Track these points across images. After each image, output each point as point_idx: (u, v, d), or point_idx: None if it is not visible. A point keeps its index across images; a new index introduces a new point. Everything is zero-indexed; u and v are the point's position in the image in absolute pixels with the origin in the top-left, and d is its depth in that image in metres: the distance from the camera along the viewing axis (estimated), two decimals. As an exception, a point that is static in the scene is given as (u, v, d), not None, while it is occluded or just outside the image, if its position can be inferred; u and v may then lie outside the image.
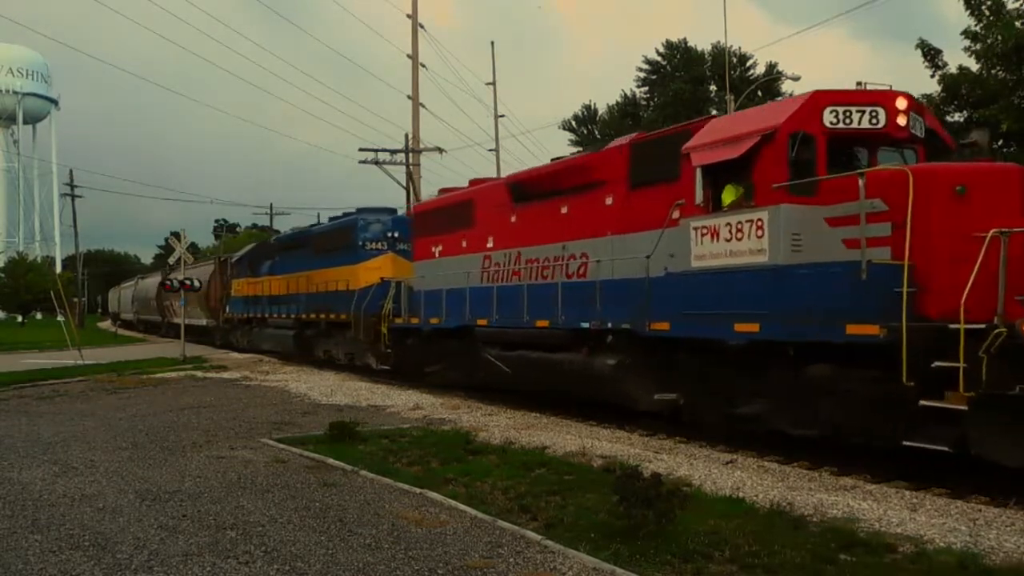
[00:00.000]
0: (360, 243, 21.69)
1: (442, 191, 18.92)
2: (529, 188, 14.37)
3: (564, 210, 13.23)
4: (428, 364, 17.55)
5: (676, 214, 10.66)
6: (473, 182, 17.76)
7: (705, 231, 10.12)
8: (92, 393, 17.15)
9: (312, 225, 27.83)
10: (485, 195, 16.06)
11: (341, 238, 22.78)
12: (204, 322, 37.62)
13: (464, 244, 16.21)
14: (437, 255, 17.33)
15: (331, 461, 9.24)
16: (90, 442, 10.87)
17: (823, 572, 5.53)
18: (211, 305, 36.39)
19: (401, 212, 25.51)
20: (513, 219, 14.62)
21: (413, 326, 17.90)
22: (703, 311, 10.14)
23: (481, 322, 15.02)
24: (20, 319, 73.93)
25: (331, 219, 25.75)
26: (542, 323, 13.26)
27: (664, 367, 11.11)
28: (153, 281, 47.21)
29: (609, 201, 12.20)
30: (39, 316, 77.43)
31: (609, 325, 11.83)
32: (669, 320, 10.67)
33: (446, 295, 16.29)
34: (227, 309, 33.78)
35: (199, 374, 21.58)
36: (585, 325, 12.24)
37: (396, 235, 21.42)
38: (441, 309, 16.50)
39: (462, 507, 7.18)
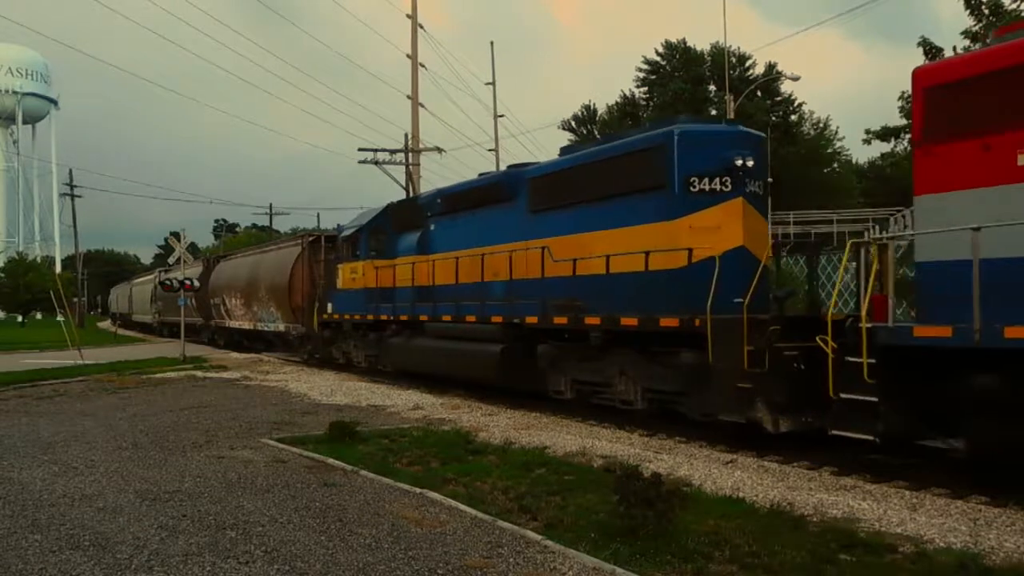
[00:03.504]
0: (680, 179, 11.23)
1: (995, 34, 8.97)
2: None
3: None
4: None
5: None
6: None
7: None
8: (92, 393, 17.15)
9: (525, 164, 15.99)
10: None
11: (627, 171, 12.07)
12: (282, 327, 26.87)
13: None
14: None
15: (331, 461, 9.24)
16: (90, 442, 10.87)
17: (823, 572, 5.54)
18: (294, 304, 25.33)
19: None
20: None
21: None
22: None
23: None
24: (20, 319, 73.92)
25: (564, 149, 14.96)
26: None
27: None
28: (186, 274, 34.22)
29: None
30: (39, 316, 77.41)
31: None
32: None
33: None
34: (328, 308, 22.48)
35: (199, 374, 21.56)
36: None
37: (749, 163, 11.31)
38: None
39: (462, 507, 7.18)
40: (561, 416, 13.22)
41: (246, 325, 30.71)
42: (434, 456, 9.66)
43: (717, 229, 11.10)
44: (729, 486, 8.13)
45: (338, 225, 22.50)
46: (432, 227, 17.92)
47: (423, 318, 17.18)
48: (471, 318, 15.33)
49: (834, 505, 7.38)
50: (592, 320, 12.27)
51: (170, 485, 8.22)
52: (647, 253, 11.37)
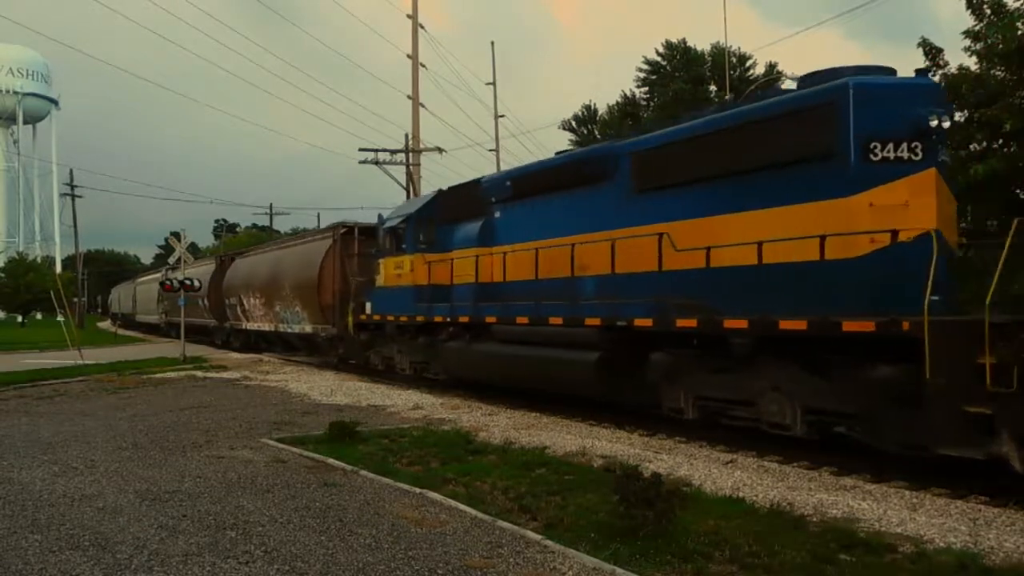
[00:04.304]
0: (858, 145, 8.99)
1: None
2: None
3: None
4: None
5: None
6: None
7: None
8: (92, 393, 17.15)
9: (619, 137, 14.59)
10: None
11: (780, 137, 9.77)
12: (309, 329, 24.32)
13: None
14: None
15: (331, 461, 9.25)
16: (90, 442, 10.87)
17: (823, 572, 5.54)
18: (324, 302, 22.93)
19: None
20: None
21: None
22: None
23: None
24: (20, 319, 73.93)
25: (692, 114, 12.18)
26: None
27: None
28: (195, 272, 32.38)
29: None
30: (39, 316, 77.43)
31: None
32: None
33: None
34: (366, 308, 20.01)
35: (199, 374, 21.57)
36: None
37: (945, 124, 9.05)
38: None
39: (462, 507, 7.18)
40: (561, 416, 13.21)
41: (266, 327, 28.27)
42: (434, 456, 9.66)
43: (903, 208, 8.77)
44: (729, 486, 8.12)
45: (379, 215, 20.33)
46: (497, 214, 15.51)
47: (490, 320, 14.77)
48: (556, 320, 12.99)
49: (834, 505, 7.38)
50: (735, 323, 9.78)
51: (170, 485, 8.22)
52: (823, 238, 8.92)
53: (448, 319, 16.22)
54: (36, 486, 8.29)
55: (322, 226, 41.14)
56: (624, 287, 11.82)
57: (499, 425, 12.35)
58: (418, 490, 7.82)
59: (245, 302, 30.06)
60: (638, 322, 11.34)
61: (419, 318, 17.25)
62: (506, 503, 7.46)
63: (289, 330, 26.09)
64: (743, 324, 9.72)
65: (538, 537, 6.24)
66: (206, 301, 33.68)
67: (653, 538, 6.02)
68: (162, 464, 9.35)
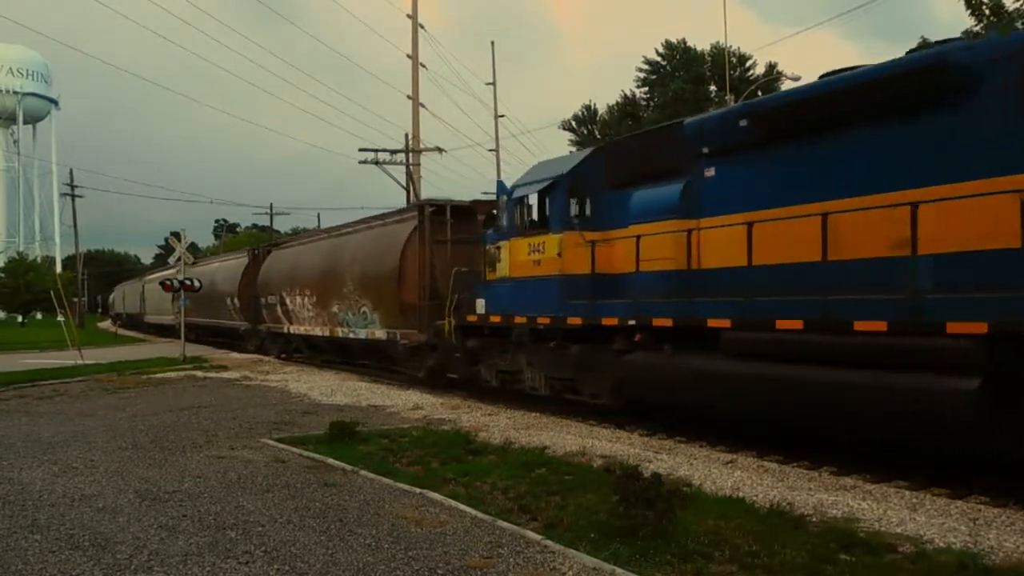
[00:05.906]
0: None
1: None
2: None
3: None
4: None
5: None
6: None
7: None
8: (92, 393, 17.14)
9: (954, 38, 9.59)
10: None
11: None
12: (383, 334, 19.43)
13: None
14: None
15: (331, 461, 9.25)
16: (90, 442, 10.87)
17: (823, 572, 5.53)
18: (406, 300, 18.28)
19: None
20: None
21: None
22: None
23: None
24: (20, 319, 73.94)
25: None
26: None
27: None
28: (223, 267, 30.91)
29: None
30: (39, 316, 77.44)
31: None
32: None
33: None
34: (477, 307, 15.50)
35: (199, 374, 21.55)
36: None
37: None
38: None
39: (462, 507, 7.18)
40: (561, 416, 13.21)
41: (317, 331, 23.55)
42: (434, 456, 9.66)
43: None
44: (729, 486, 8.13)
45: (499, 183, 15.98)
46: (711, 172, 11.17)
47: (716, 324, 10.25)
48: (870, 325, 8.34)
49: (834, 505, 7.38)
50: None
51: (170, 485, 8.22)
52: None
53: (630, 322, 11.71)
54: (36, 486, 8.29)
55: (322, 226, 39.77)
56: None
57: (499, 425, 12.35)
58: (418, 490, 7.82)
59: (288, 301, 25.43)
60: None
61: (572, 320, 12.75)
62: (506, 503, 7.46)
63: (351, 335, 21.20)
64: None
65: (538, 537, 6.24)
66: (236, 301, 29.84)
67: (653, 538, 6.02)
68: (162, 464, 9.35)
